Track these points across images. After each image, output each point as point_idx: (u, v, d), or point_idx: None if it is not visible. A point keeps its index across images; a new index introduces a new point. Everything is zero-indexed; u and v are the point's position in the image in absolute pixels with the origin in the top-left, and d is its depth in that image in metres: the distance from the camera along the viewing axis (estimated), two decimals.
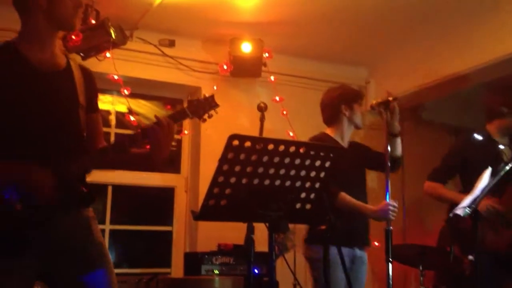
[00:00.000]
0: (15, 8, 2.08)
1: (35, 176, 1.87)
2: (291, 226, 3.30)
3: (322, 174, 2.06)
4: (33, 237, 1.89)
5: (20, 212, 1.85)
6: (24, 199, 1.86)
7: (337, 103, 3.28)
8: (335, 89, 3.37)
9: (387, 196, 2.90)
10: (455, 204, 3.02)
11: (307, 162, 2.01)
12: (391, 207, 2.90)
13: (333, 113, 3.30)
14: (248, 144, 1.88)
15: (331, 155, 2.04)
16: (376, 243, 4.37)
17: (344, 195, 3.03)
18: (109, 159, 2.04)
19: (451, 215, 2.88)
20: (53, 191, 1.88)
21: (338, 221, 2.32)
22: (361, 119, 3.33)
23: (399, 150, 3.20)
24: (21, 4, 2.05)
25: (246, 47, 4.29)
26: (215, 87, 4.44)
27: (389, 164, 2.88)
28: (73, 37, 3.60)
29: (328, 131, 3.31)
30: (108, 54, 3.89)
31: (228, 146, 1.85)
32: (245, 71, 4.44)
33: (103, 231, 4.35)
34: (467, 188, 3.56)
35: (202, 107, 2.23)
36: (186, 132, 4.56)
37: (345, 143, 3.29)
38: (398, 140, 3.17)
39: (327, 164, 2.05)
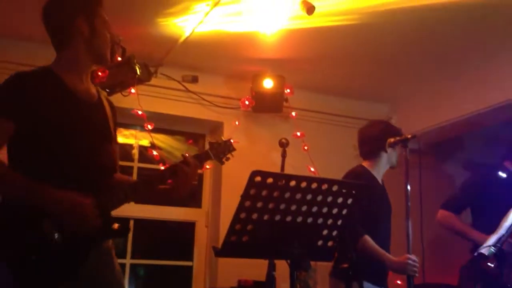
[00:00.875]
0: (56, 34, 2.13)
1: (82, 208, 1.90)
2: (312, 263, 3.27)
3: (345, 212, 2.05)
4: (67, 269, 1.92)
5: (58, 244, 1.88)
6: (66, 230, 1.90)
7: (381, 138, 3.20)
8: (379, 123, 3.33)
9: (409, 237, 2.86)
10: (478, 243, 2.96)
11: (329, 199, 2.01)
12: (410, 262, 2.84)
13: (374, 147, 3.22)
14: (270, 180, 1.89)
15: (354, 192, 2.04)
16: (399, 282, 4.31)
17: (367, 239, 2.95)
18: (138, 195, 2.09)
19: (475, 254, 2.83)
20: (96, 224, 1.93)
21: (361, 259, 2.30)
22: (397, 159, 3.27)
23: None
24: (63, 31, 2.11)
25: (268, 83, 4.34)
26: (237, 123, 4.47)
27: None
28: (100, 73, 3.69)
29: (366, 164, 3.26)
30: (133, 90, 3.97)
31: (251, 182, 1.87)
32: (266, 106, 4.48)
33: (123, 265, 4.35)
34: (477, 222, 3.51)
35: (222, 151, 2.36)
36: (208, 166, 4.59)
37: (379, 180, 3.25)
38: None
39: (350, 201, 2.04)
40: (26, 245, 1.84)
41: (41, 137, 1.97)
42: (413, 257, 2.85)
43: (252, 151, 4.54)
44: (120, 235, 2.07)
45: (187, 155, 2.19)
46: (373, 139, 3.25)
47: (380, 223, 3.12)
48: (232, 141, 2.39)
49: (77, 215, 1.89)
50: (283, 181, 1.92)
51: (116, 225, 2.02)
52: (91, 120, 2.11)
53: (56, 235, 1.88)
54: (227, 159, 2.39)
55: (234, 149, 2.41)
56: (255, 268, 4.18)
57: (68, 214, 1.88)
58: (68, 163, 2.00)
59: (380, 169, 3.25)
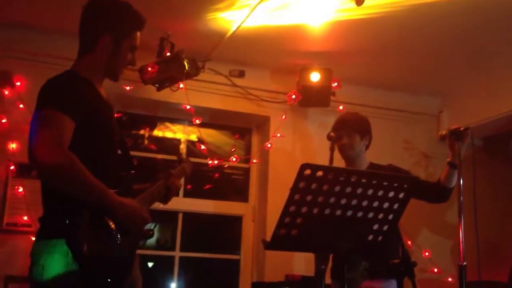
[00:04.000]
0: (84, 37, 2.20)
1: (142, 212, 2.05)
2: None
3: (396, 206, 2.01)
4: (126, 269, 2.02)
5: (120, 244, 1.96)
6: (125, 231, 1.98)
7: None
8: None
9: (461, 233, 2.79)
10: None
11: (380, 193, 1.97)
12: None
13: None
14: (320, 173, 1.87)
15: (405, 186, 1.99)
16: (450, 279, 4.21)
17: None
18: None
19: None
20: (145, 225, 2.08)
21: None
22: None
23: (454, 182, 3.14)
24: (90, 38, 2.17)
25: (315, 77, 4.30)
26: (283, 117, 4.46)
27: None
28: (149, 69, 3.75)
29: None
30: (181, 85, 4.01)
31: (300, 175, 1.85)
32: (313, 100, 4.43)
33: (172, 258, 4.42)
34: None
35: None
36: (254, 161, 4.60)
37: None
38: (456, 172, 3.08)
39: (401, 195, 2.00)
40: (96, 241, 1.89)
41: (89, 141, 2.02)
42: None
43: (298, 146, 4.52)
44: (149, 238, 2.17)
45: (171, 171, 2.46)
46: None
47: None
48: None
49: (138, 218, 2.02)
50: (333, 175, 1.90)
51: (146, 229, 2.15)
52: (115, 125, 2.20)
53: (119, 236, 1.94)
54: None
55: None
56: (302, 263, 4.19)
57: (131, 218, 2.00)
58: (108, 167, 2.09)
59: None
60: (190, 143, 4.67)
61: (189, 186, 2.60)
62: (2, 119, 3.81)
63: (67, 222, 1.88)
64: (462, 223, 2.78)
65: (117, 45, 2.16)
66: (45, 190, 2.04)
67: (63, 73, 2.10)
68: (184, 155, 2.72)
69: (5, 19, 3.84)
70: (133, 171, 2.17)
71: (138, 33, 2.25)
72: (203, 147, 4.30)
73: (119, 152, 2.24)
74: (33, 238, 1.99)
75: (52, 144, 1.87)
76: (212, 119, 4.62)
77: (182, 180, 2.73)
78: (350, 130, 3.26)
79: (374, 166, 3.25)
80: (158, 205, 2.37)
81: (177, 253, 4.43)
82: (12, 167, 3.76)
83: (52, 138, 1.88)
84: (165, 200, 2.38)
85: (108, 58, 2.16)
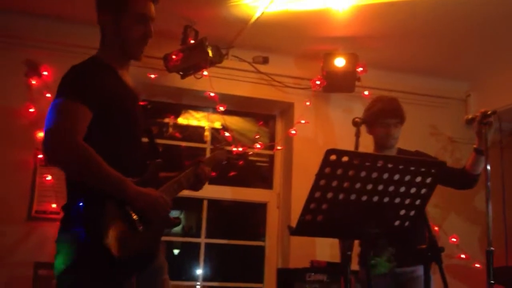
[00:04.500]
0: (99, 25, 2.18)
1: (162, 201, 2.02)
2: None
3: (423, 191, 1.99)
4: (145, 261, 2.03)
5: (142, 233, 1.97)
6: (147, 220, 1.99)
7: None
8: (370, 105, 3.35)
9: (489, 218, 2.75)
10: None
11: (407, 178, 1.95)
12: None
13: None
14: (345, 159, 1.86)
15: (433, 170, 1.97)
16: (478, 265, 4.16)
17: None
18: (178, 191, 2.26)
19: None
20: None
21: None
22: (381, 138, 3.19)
23: (480, 169, 3.07)
24: (99, 23, 2.16)
25: (340, 62, 4.26)
26: (307, 103, 4.44)
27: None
28: (174, 56, 3.76)
29: None
30: (205, 72, 4.02)
31: (326, 161, 1.84)
32: (338, 86, 4.40)
33: (198, 244, 4.46)
34: None
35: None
36: (279, 148, 4.59)
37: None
38: (482, 158, 3.00)
39: (429, 180, 1.98)
40: (117, 232, 1.90)
41: (109, 129, 2.02)
42: None
43: (322, 132, 4.50)
44: (175, 226, 2.18)
45: (201, 158, 2.42)
46: None
47: None
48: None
49: (158, 207, 2.00)
50: (359, 160, 1.89)
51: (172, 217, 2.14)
52: (139, 113, 2.17)
53: (141, 227, 1.96)
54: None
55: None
56: (327, 249, 4.19)
57: (151, 206, 1.98)
58: (131, 155, 2.08)
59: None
60: (214, 130, 4.69)
61: (213, 173, 2.56)
62: (30, 108, 3.87)
63: (87, 212, 1.88)
64: (490, 208, 2.74)
65: (117, 21, 2.10)
66: (67, 179, 2.04)
67: (86, 60, 2.09)
68: (220, 144, 2.69)
69: (32, 9, 3.89)
70: (159, 159, 2.16)
71: (144, 2, 2.14)
72: (227, 134, 4.31)
73: (145, 140, 2.24)
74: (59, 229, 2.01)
75: (65, 136, 1.86)
76: (236, 106, 4.62)
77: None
78: (402, 119, 3.18)
79: (402, 152, 3.21)
80: (189, 192, 2.36)
81: (202, 240, 4.47)
82: (40, 156, 3.82)
83: (65, 129, 1.87)
84: (195, 188, 2.35)
85: (114, 37, 2.12)
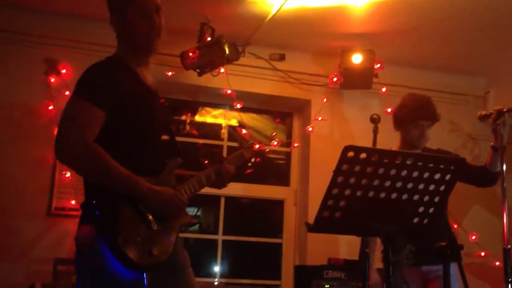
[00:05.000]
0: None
1: (176, 199, 2.02)
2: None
3: (442, 188, 1.97)
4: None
5: (157, 231, 1.97)
6: (162, 218, 2.00)
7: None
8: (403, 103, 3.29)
9: (505, 220, 2.72)
10: None
11: (426, 174, 1.93)
12: None
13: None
14: (363, 155, 1.85)
15: (452, 167, 1.94)
16: (497, 263, 4.10)
17: None
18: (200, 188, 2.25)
19: None
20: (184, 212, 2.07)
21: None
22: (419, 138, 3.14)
23: (499, 166, 3.01)
24: (113, 29, 2.16)
25: (357, 59, 4.23)
26: (324, 100, 4.42)
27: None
28: (190, 54, 3.77)
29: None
30: (222, 70, 4.02)
31: (343, 158, 1.83)
32: (355, 83, 4.37)
33: (215, 241, 4.47)
34: None
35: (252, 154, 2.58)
36: (296, 145, 4.58)
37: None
38: (498, 156, 2.97)
39: (448, 177, 1.95)
40: (132, 231, 1.91)
41: (124, 128, 2.02)
42: None
43: (340, 129, 4.48)
44: (193, 225, 2.15)
45: (225, 156, 2.43)
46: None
47: None
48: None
49: (172, 205, 2.00)
50: (377, 157, 1.87)
51: (190, 216, 2.14)
52: (158, 111, 2.16)
53: (155, 225, 1.97)
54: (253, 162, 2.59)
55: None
56: (345, 247, 4.18)
57: (164, 205, 1.98)
58: (148, 154, 2.07)
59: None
60: (231, 128, 4.69)
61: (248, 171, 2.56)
62: (49, 106, 3.92)
63: (100, 212, 1.89)
64: (506, 207, 2.72)
65: (124, 19, 2.11)
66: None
67: (103, 60, 2.10)
68: (247, 142, 2.64)
69: (51, 8, 3.93)
70: (178, 158, 2.16)
71: None
72: (244, 131, 4.31)
73: (166, 137, 2.24)
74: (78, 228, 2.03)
75: (74, 137, 1.88)
76: (253, 103, 4.62)
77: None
78: (436, 121, 3.16)
79: (425, 151, 3.17)
80: (206, 189, 2.33)
81: (220, 237, 4.48)
82: None
83: (76, 130, 1.89)
84: (218, 186, 2.34)
85: (124, 35, 2.13)
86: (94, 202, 1.93)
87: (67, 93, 3.89)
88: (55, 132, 3.91)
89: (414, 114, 3.10)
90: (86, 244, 1.92)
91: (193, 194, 2.18)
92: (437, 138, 3.28)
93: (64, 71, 3.96)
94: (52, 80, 3.96)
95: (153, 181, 2.00)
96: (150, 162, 2.06)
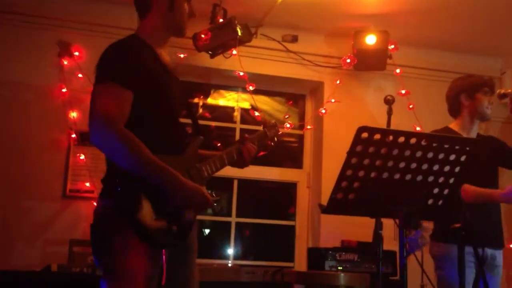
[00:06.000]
0: (136, 8, 2.17)
1: (200, 195, 1.99)
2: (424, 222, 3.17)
3: (457, 169, 1.95)
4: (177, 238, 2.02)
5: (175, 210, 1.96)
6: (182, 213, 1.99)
7: (456, 94, 3.11)
8: (457, 79, 3.19)
9: None
10: None
11: (441, 156, 1.92)
12: None
13: (453, 104, 3.13)
14: (377, 136, 1.84)
15: (468, 148, 1.92)
16: None
17: (467, 186, 2.79)
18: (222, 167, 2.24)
19: None
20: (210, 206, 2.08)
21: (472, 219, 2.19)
22: (487, 109, 3.06)
23: None
24: (142, 5, 2.15)
25: (371, 40, 4.18)
26: (338, 82, 4.39)
27: None
28: (203, 35, 3.75)
29: (452, 124, 3.13)
30: (234, 51, 4.00)
31: (357, 139, 1.82)
32: (369, 64, 4.33)
33: (229, 223, 4.49)
34: None
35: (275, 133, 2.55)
36: (308, 127, 4.56)
37: (471, 137, 3.04)
38: None
39: (463, 158, 1.94)
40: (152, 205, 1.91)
41: (147, 107, 2.00)
42: None
43: (353, 111, 4.44)
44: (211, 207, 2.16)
45: (247, 136, 2.36)
46: (450, 96, 3.17)
47: (480, 183, 2.89)
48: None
49: (197, 201, 1.99)
50: (391, 138, 1.86)
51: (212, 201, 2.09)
52: (178, 91, 2.16)
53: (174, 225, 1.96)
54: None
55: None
56: (358, 229, 4.13)
57: (190, 201, 1.97)
58: (170, 132, 2.07)
59: (467, 126, 3.07)
60: (243, 110, 4.68)
61: (262, 153, 2.52)
62: (62, 88, 3.93)
63: (122, 187, 1.89)
64: None
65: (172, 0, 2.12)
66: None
67: (124, 38, 2.09)
68: (269, 121, 2.62)
69: None
70: (201, 136, 2.15)
71: None
72: (256, 114, 4.30)
73: (186, 117, 2.22)
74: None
75: (108, 123, 1.86)
76: (265, 85, 4.59)
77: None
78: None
79: (479, 137, 3.12)
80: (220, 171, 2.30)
81: (233, 219, 4.50)
82: (73, 135, 3.89)
83: (108, 115, 1.87)
84: (239, 165, 2.33)
85: (167, 14, 2.12)
86: (117, 180, 1.92)
87: (80, 75, 3.91)
88: (69, 115, 3.98)
89: (478, 81, 3.08)
90: (104, 218, 1.93)
91: (214, 173, 2.16)
92: (451, 122, 3.24)
93: (77, 53, 3.96)
94: (65, 62, 3.96)
95: (178, 160, 1.99)
96: (172, 140, 2.05)
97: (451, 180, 1.98)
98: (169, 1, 2.12)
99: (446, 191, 1.99)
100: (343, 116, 4.43)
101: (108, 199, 1.94)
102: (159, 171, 1.89)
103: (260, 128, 4.22)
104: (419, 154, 1.90)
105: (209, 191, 2.07)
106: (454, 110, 3.15)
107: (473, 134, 3.08)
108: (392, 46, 4.21)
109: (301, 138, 4.75)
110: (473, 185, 2.82)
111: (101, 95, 1.93)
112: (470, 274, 2.68)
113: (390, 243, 2.86)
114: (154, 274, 1.91)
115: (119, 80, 1.93)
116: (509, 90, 2.98)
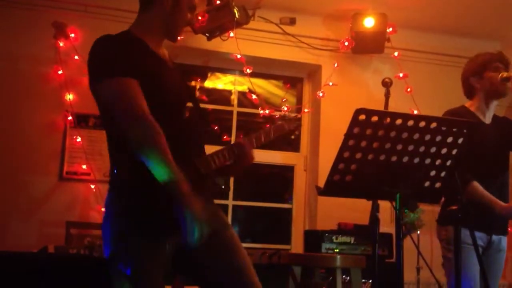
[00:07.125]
0: (140, 1, 2.10)
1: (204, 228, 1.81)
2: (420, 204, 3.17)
3: (455, 151, 1.95)
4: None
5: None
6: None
7: (466, 78, 3.04)
8: (467, 62, 3.13)
9: None
10: None
11: (438, 138, 1.92)
12: None
13: (466, 88, 3.05)
14: (375, 118, 1.83)
15: (465, 131, 1.92)
16: None
17: (476, 186, 2.72)
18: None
19: None
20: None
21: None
22: (501, 85, 2.92)
23: None
24: (147, 5, 2.06)
25: (369, 22, 4.16)
26: (335, 65, 4.37)
27: None
28: (200, 17, 3.72)
29: (468, 103, 3.05)
30: (231, 34, 3.97)
31: (354, 121, 1.82)
32: (367, 47, 4.31)
33: (226, 206, 4.50)
34: None
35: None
36: (306, 110, 4.55)
37: (487, 118, 2.98)
38: None
39: (460, 140, 1.94)
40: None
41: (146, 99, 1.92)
42: None
43: (350, 94, 4.43)
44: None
45: (241, 137, 2.27)
46: (462, 80, 3.07)
47: (483, 166, 2.87)
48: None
49: (198, 229, 1.79)
50: (389, 119, 1.85)
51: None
52: (177, 84, 2.08)
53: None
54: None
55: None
56: (354, 212, 4.16)
57: (192, 221, 1.79)
58: (169, 127, 1.94)
59: (483, 107, 2.98)
60: (241, 93, 4.66)
61: (242, 136, 2.47)
62: (58, 70, 3.90)
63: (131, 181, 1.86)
64: None
65: (176, 3, 2.04)
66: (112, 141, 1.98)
67: (116, 34, 1.99)
68: (288, 115, 2.58)
69: None
70: (209, 127, 2.10)
71: None
72: (254, 97, 4.29)
73: (192, 107, 2.15)
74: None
75: (137, 116, 1.79)
76: (263, 68, 4.57)
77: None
78: (508, 66, 3.01)
79: (497, 118, 3.04)
80: None
81: (230, 202, 4.51)
82: (69, 118, 3.87)
83: (132, 109, 1.80)
84: (239, 164, 2.21)
85: (167, 15, 2.03)
86: (128, 173, 1.88)
87: (76, 57, 3.87)
88: (65, 97, 3.95)
89: (486, 59, 2.98)
90: (113, 211, 1.91)
91: (222, 165, 2.08)
92: (450, 103, 3.22)
93: (72, 35, 3.93)
94: (61, 44, 3.93)
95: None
96: (174, 133, 1.92)
97: (448, 163, 1.98)
98: (174, 3, 2.04)
99: (443, 174, 1.99)
100: (341, 99, 4.41)
101: (115, 192, 1.91)
102: (172, 172, 1.77)
103: (258, 111, 4.23)
104: (416, 136, 1.90)
105: (219, 183, 2.02)
106: (469, 93, 3.06)
107: (489, 115, 2.99)
108: (391, 29, 4.19)
109: (298, 121, 4.74)
110: (481, 169, 2.77)
111: (111, 94, 1.85)
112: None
113: (387, 225, 2.89)
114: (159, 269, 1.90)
115: (119, 72, 1.86)
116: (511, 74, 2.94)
